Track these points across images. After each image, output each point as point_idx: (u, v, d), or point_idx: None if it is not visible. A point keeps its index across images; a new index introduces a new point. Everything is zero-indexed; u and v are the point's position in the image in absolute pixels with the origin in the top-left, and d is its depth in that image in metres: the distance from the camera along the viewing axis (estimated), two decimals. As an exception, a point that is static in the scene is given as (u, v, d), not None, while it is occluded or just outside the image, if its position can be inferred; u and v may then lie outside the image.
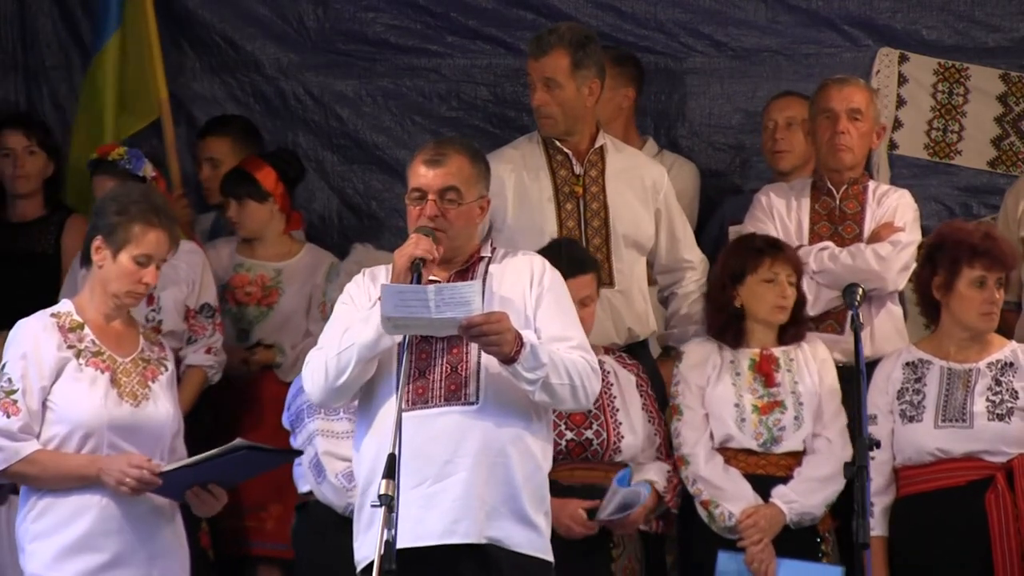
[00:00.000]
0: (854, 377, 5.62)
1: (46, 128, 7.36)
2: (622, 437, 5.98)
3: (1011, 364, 6.11)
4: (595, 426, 5.97)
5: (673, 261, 6.60)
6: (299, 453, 5.73)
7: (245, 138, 7.42)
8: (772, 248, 6.20)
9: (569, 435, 5.93)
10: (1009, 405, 6.02)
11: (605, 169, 6.49)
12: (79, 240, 6.82)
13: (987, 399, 6.03)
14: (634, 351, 6.41)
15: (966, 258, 6.04)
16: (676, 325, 6.62)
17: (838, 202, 6.64)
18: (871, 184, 6.67)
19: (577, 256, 6.05)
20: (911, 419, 6.06)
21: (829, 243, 6.54)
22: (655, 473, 6.00)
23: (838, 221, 6.63)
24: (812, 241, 6.59)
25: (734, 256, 6.21)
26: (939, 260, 6.10)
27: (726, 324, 6.17)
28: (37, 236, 7.19)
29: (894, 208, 6.60)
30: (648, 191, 6.53)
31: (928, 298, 6.16)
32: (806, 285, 6.39)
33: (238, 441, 5.20)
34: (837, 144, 6.53)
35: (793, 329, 6.18)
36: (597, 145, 6.51)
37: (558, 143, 6.48)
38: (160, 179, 6.81)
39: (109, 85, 7.43)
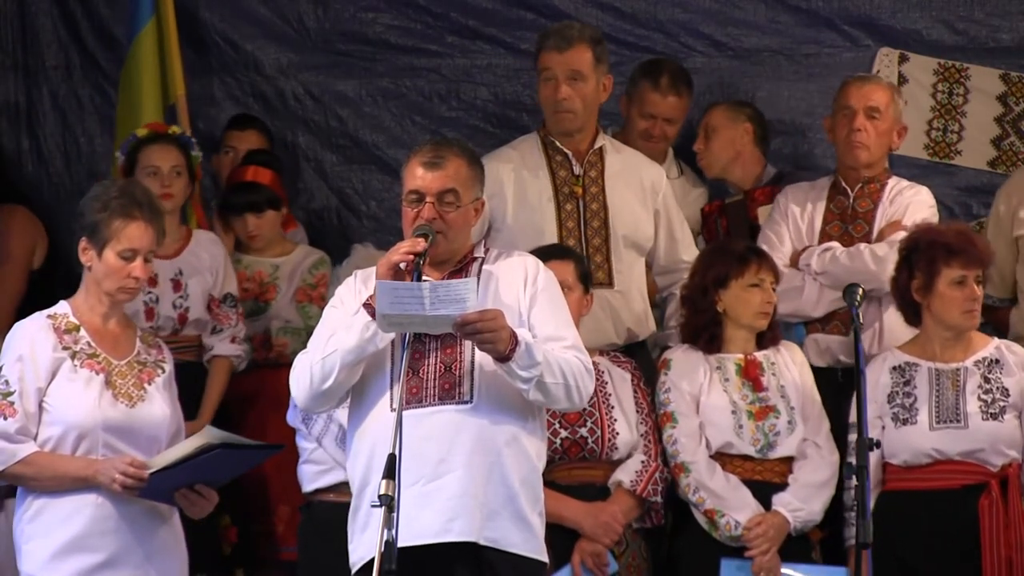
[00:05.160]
0: (854, 377, 5.62)
1: None
2: (617, 434, 5.99)
3: (997, 361, 6.10)
4: (589, 423, 5.97)
5: (672, 262, 6.59)
6: (280, 447, 5.55)
7: (267, 135, 7.42)
8: (756, 254, 6.20)
9: (564, 433, 5.93)
10: (1001, 404, 6.02)
11: (604, 170, 6.49)
12: (9, 234, 6.82)
13: (978, 398, 6.02)
14: (633, 351, 6.41)
15: (943, 258, 6.02)
16: (675, 325, 6.61)
17: (852, 201, 6.64)
18: (890, 182, 6.66)
19: (556, 246, 6.12)
20: (904, 422, 6.04)
21: (834, 243, 6.54)
22: (624, 472, 5.99)
23: (849, 220, 6.63)
24: (822, 241, 6.59)
25: (719, 261, 6.20)
26: (916, 262, 6.08)
27: (703, 328, 6.17)
28: None
29: (906, 206, 6.58)
30: (647, 192, 6.53)
31: (907, 301, 6.15)
32: (808, 286, 6.40)
33: (210, 439, 5.16)
34: (853, 141, 6.55)
35: (770, 333, 6.19)
36: (597, 146, 6.50)
37: (558, 143, 6.47)
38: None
39: (148, 73, 7.34)
